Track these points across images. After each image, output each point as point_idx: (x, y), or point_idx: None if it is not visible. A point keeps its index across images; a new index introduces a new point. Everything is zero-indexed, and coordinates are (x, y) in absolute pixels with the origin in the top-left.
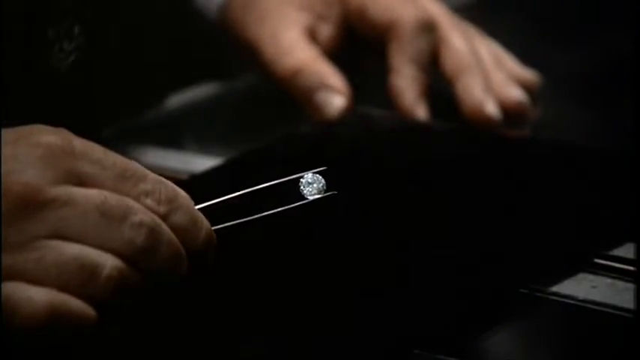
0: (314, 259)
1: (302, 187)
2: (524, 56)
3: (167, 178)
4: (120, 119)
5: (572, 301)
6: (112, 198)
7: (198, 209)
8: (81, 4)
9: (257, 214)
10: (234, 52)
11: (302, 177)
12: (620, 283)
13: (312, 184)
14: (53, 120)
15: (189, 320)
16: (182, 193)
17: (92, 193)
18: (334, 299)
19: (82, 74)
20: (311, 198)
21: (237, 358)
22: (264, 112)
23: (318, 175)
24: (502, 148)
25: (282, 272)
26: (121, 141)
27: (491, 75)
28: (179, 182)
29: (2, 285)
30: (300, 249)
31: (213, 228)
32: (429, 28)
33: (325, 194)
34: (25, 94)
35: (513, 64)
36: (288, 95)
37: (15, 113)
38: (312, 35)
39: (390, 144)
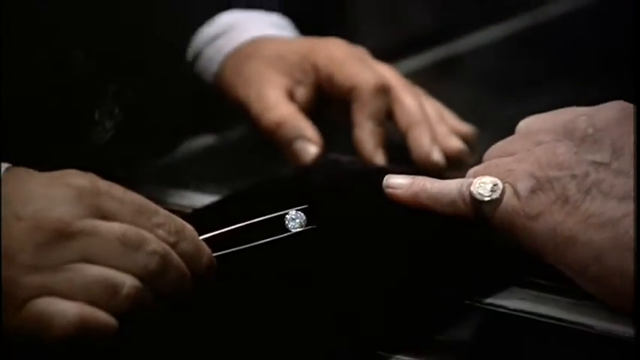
0: (296, 281)
1: (287, 222)
2: (463, 111)
3: (174, 212)
4: (134, 164)
5: (504, 310)
6: (130, 230)
7: (202, 239)
8: (122, 88)
9: (250, 243)
10: (227, 109)
11: (287, 213)
12: (544, 295)
13: (295, 220)
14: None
15: (193, 331)
16: (188, 225)
17: (114, 226)
18: (313, 314)
19: (117, 145)
20: (294, 231)
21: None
22: (253, 158)
23: (300, 212)
24: None
25: (270, 292)
26: (135, 182)
27: (436, 128)
28: (184, 215)
29: (39, 300)
30: (285, 273)
31: (214, 255)
32: (384, 91)
33: (306, 228)
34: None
35: (453, 119)
36: (271, 144)
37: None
38: (290, 95)
39: (356, 184)
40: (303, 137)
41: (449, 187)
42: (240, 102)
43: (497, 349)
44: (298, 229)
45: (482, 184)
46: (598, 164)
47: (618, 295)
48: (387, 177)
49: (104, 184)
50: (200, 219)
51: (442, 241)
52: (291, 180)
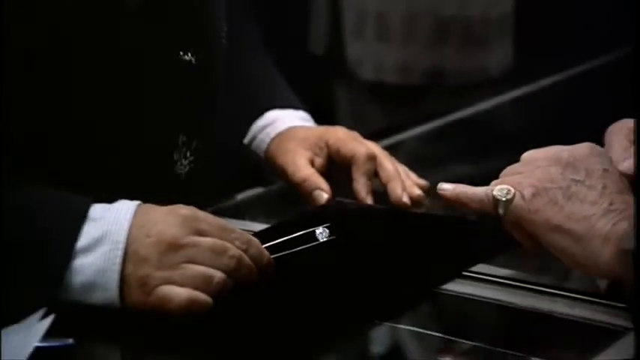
0: (323, 272)
1: (317, 235)
2: (418, 170)
3: None
4: (212, 205)
5: (452, 293)
6: (217, 242)
7: (264, 247)
8: (190, 139)
9: (294, 249)
10: (270, 171)
11: (316, 229)
12: (478, 284)
13: (322, 233)
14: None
15: (260, 305)
16: (254, 238)
17: (208, 240)
18: (334, 292)
19: (194, 178)
20: (322, 240)
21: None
22: (288, 201)
23: (325, 229)
24: (410, 218)
25: (307, 278)
26: (216, 214)
27: (405, 182)
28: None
29: (162, 287)
30: (317, 267)
31: (272, 257)
32: (372, 158)
33: (329, 238)
34: (161, 191)
35: (414, 176)
36: (299, 193)
37: (153, 201)
38: (312, 163)
39: (354, 216)
40: (318, 188)
41: (479, 191)
42: (280, 167)
43: (449, 317)
44: (324, 240)
45: (501, 190)
46: (576, 181)
47: (590, 268)
48: (440, 184)
49: (201, 213)
50: (260, 236)
51: (415, 250)
52: (314, 214)
